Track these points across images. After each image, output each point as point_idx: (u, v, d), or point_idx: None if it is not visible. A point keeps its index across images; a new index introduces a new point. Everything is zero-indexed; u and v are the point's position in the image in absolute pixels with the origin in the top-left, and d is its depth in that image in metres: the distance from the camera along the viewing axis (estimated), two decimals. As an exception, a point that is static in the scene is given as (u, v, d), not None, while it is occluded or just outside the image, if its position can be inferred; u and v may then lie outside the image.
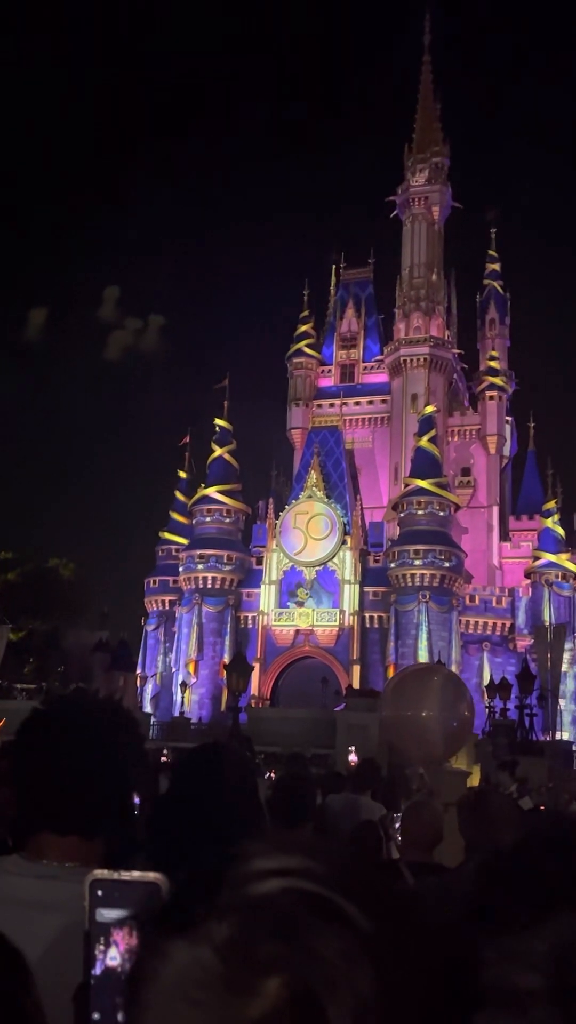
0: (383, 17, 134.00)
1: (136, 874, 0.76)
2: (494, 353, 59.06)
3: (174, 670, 49.51)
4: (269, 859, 0.56)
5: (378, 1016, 0.51)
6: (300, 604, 48.00)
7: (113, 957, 0.75)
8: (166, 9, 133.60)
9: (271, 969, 0.50)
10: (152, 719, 41.59)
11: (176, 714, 44.22)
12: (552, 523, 49.11)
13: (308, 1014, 0.50)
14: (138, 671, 51.29)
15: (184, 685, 47.15)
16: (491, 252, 63.33)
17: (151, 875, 0.75)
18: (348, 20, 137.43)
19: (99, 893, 0.74)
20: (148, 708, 46.91)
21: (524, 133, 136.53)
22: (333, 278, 63.30)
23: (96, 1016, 0.73)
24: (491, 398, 57.17)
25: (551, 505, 49.86)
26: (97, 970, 0.74)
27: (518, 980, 0.50)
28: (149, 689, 50.41)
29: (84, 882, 0.76)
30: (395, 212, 60.14)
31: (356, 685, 42.40)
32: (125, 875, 0.76)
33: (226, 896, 0.54)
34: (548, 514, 49.57)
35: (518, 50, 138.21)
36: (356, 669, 46.52)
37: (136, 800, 1.75)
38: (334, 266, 63.21)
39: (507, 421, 58.80)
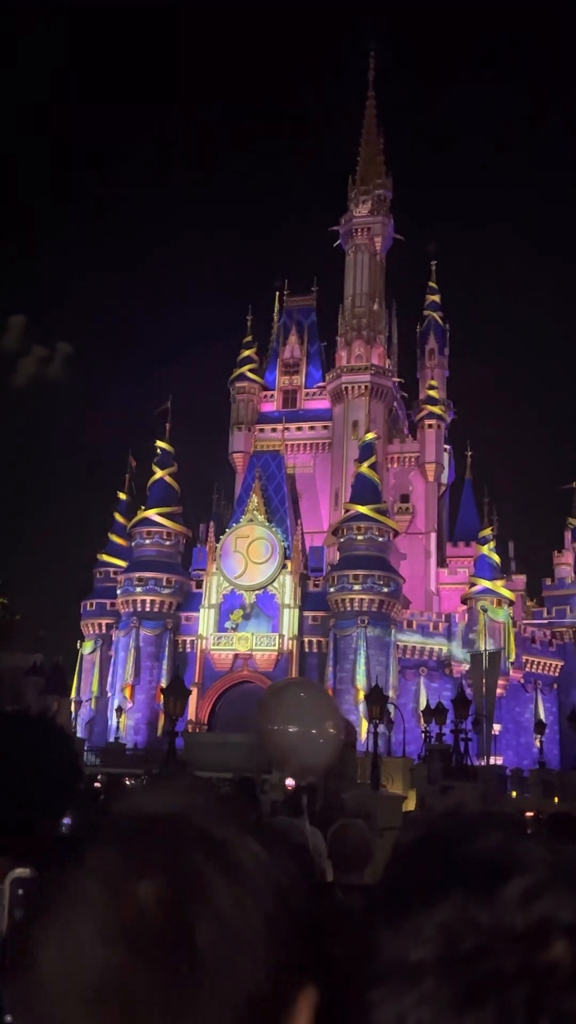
0: (329, 50, 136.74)
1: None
2: (433, 383, 60.20)
3: (110, 694, 48.74)
4: (147, 793, 0.64)
5: (248, 920, 0.58)
6: (234, 628, 47.81)
7: None
8: (111, 48, 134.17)
9: (139, 876, 0.58)
10: (86, 744, 40.82)
11: (111, 739, 43.49)
12: (488, 550, 49.97)
13: (172, 915, 0.57)
14: (73, 695, 50.36)
15: (120, 710, 46.43)
16: (431, 284, 64.74)
17: None
18: (294, 51, 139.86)
19: (19, 892, 0.75)
20: (82, 733, 46.05)
21: (466, 166, 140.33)
22: (277, 304, 63.90)
23: (8, 1019, 0.73)
24: (430, 426, 58.17)
25: (487, 532, 50.75)
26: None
27: (410, 954, 0.53)
28: (83, 714, 49.51)
29: (4, 880, 0.74)
30: (338, 242, 61.09)
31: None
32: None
33: (105, 831, 0.62)
34: (484, 541, 50.44)
35: (461, 87, 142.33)
36: (294, 694, 46.40)
37: (66, 820, 1.76)
38: (278, 293, 63.87)
39: (445, 449, 59.85)
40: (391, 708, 39.54)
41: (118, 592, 49.69)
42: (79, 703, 50.05)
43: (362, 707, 39.43)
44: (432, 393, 59.22)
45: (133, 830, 0.61)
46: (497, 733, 43.75)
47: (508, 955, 0.51)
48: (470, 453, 62.48)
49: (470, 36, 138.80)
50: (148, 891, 0.57)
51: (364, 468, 49.37)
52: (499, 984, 0.51)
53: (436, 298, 64.24)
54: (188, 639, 48.98)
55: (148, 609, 48.46)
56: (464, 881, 0.55)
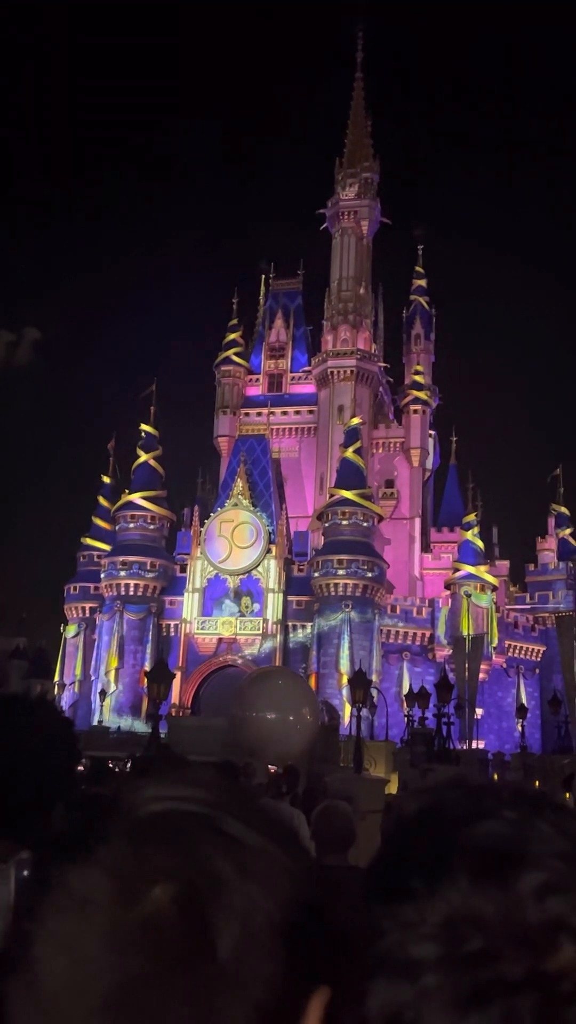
0: (318, 32, 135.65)
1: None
2: (419, 368, 60.17)
3: (93, 678, 48.73)
4: (158, 787, 0.60)
5: (265, 918, 0.55)
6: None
7: None
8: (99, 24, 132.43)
9: (156, 877, 0.55)
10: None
11: (95, 723, 43.51)
12: (472, 536, 50.17)
13: (190, 916, 0.54)
14: (56, 679, 50.30)
15: (103, 693, 46.44)
16: (418, 268, 64.57)
17: None
18: (282, 33, 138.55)
19: (24, 873, 0.72)
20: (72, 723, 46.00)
21: (453, 152, 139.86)
22: (263, 288, 63.58)
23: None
24: (415, 412, 58.20)
25: (471, 518, 50.93)
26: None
27: (412, 949, 0.51)
28: (66, 697, 49.49)
29: (8, 863, 0.74)
30: (325, 225, 60.79)
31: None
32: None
33: (116, 821, 0.58)
34: (468, 527, 50.63)
35: (450, 70, 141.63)
36: (278, 678, 46.61)
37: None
38: (264, 276, 63.51)
39: (430, 435, 59.93)
40: (374, 692, 39.76)
41: (102, 576, 49.58)
42: (62, 687, 50.02)
43: (345, 691, 39.63)
44: (418, 378, 59.22)
45: (147, 826, 0.58)
46: (479, 717, 44.14)
47: (514, 958, 0.49)
48: (455, 439, 62.64)
49: (459, 21, 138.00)
50: (166, 892, 0.55)
51: (349, 453, 49.37)
52: (503, 989, 0.49)
53: (423, 283, 64.11)
54: (172, 623, 48.98)
55: (132, 593, 48.40)
56: (471, 869, 0.52)
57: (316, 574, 47.24)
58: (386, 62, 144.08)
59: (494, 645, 47.92)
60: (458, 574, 49.08)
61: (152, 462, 50.90)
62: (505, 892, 0.51)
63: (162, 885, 0.54)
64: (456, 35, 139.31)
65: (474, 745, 38.49)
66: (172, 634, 48.91)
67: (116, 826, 0.58)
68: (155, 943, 0.53)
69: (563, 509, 56.23)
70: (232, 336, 60.93)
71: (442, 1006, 0.49)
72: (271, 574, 48.30)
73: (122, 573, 48.46)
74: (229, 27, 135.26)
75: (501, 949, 0.49)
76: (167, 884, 0.54)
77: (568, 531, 55.19)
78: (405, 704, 36.10)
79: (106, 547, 50.89)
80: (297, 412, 59.03)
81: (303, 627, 47.67)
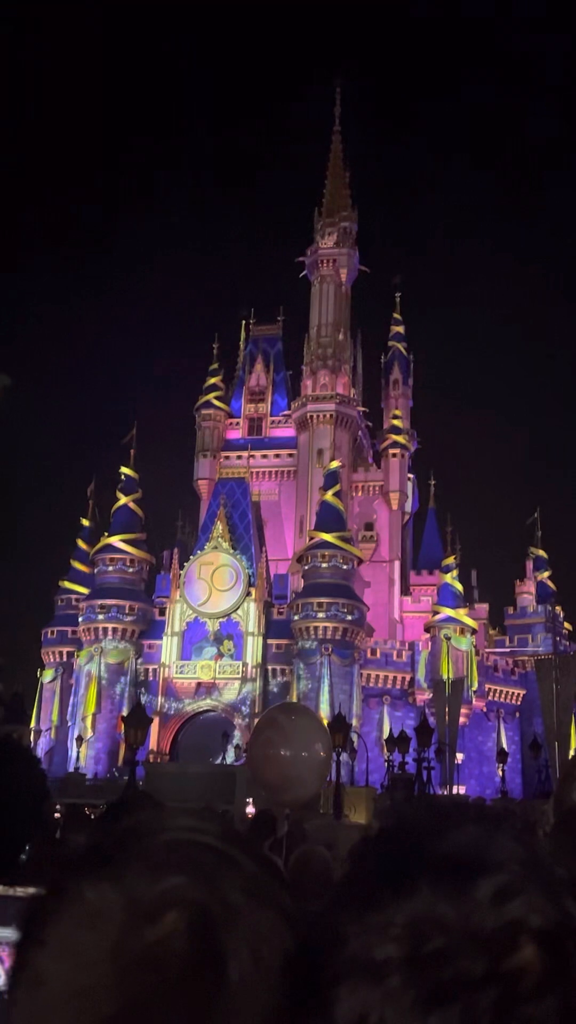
0: (296, 84, 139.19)
1: (32, 890, 0.74)
2: (397, 412, 60.88)
3: (70, 724, 48.00)
4: (175, 818, 0.62)
5: (272, 947, 0.56)
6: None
7: None
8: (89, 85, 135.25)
9: (170, 899, 0.55)
10: (47, 776, 40.07)
11: (71, 769, 42.75)
12: (451, 579, 50.30)
13: (203, 941, 0.54)
14: (32, 724, 49.50)
15: (80, 739, 45.72)
16: (396, 315, 65.66)
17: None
18: (261, 84, 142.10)
19: None
20: (42, 764, 45.21)
21: (430, 202, 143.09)
22: (243, 333, 64.32)
23: None
24: (394, 455, 58.71)
25: (450, 561, 51.12)
26: None
27: (376, 951, 0.52)
28: (43, 743, 48.67)
29: None
30: (304, 272, 61.79)
31: (247, 743, 41.93)
32: (20, 891, 0.76)
33: (135, 843, 0.59)
34: (447, 570, 50.78)
35: (427, 123, 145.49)
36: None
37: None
38: (244, 321, 64.33)
39: (409, 478, 60.39)
40: (354, 737, 39.45)
41: (80, 619, 49.13)
42: (39, 732, 49.21)
43: (325, 736, 39.21)
44: (396, 423, 59.87)
45: (165, 851, 0.59)
46: (460, 762, 43.82)
47: (476, 958, 0.50)
48: (433, 482, 63.17)
49: (434, 73, 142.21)
50: (180, 916, 0.55)
51: (329, 496, 49.59)
52: (465, 987, 0.50)
53: (400, 329, 65.14)
54: (151, 667, 48.51)
55: (110, 637, 47.96)
56: (434, 876, 0.53)
57: (296, 617, 47.09)
58: (364, 113, 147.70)
59: (474, 689, 47.80)
60: (437, 617, 49.09)
61: (132, 505, 50.83)
62: (466, 895, 0.52)
63: (177, 909, 0.55)
64: (433, 89, 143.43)
65: (455, 790, 38.17)
66: (151, 678, 48.41)
67: (135, 847, 0.59)
68: (165, 964, 0.53)
69: (541, 552, 56.62)
70: (212, 380, 61.46)
71: (405, 1006, 0.50)
72: (251, 617, 48.09)
73: (100, 617, 48.07)
74: (209, 80, 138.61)
75: (462, 949, 0.50)
76: (182, 908, 0.55)
77: (546, 574, 55.53)
78: (385, 749, 35.83)
79: (84, 590, 50.52)
80: (277, 455, 59.37)
81: (283, 671, 47.36)
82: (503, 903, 0.52)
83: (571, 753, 38.33)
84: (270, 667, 47.64)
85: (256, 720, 45.57)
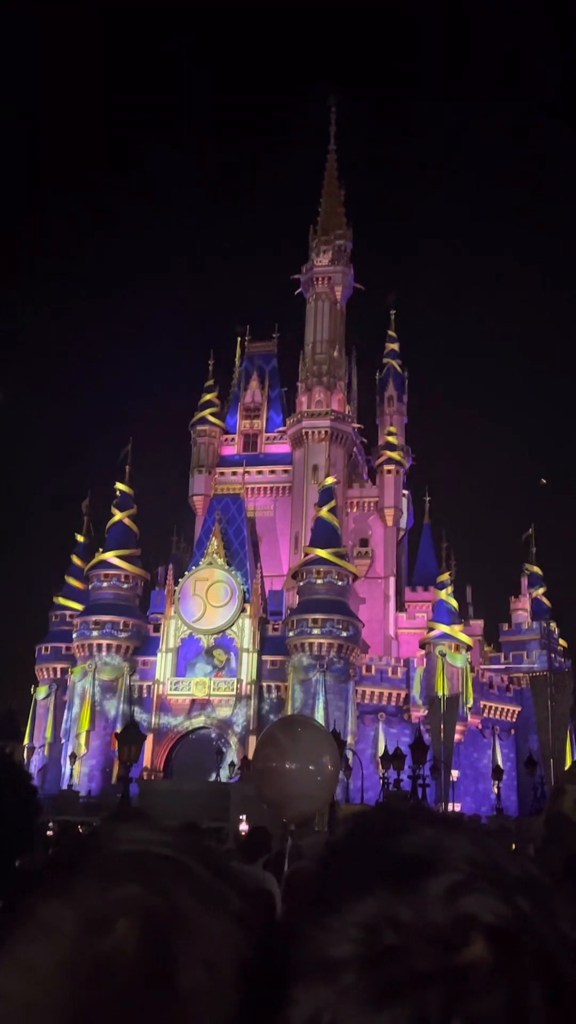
0: (290, 102, 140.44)
1: None
2: (392, 429, 61.06)
3: (63, 741, 47.73)
4: (131, 830, 0.63)
5: (226, 954, 0.57)
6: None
7: None
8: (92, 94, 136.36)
9: (122, 908, 0.56)
10: (39, 792, 39.81)
11: (64, 787, 42.49)
12: (446, 595, 50.29)
13: (154, 948, 0.55)
14: (26, 741, 49.21)
15: (74, 756, 45.46)
16: (391, 332, 66.00)
17: None
18: (256, 102, 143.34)
19: None
20: (35, 781, 44.86)
21: (425, 219, 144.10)
22: (238, 350, 64.55)
23: None
24: (389, 472, 58.83)
25: (445, 577, 51.12)
26: None
27: (332, 951, 0.53)
28: (36, 760, 48.37)
29: None
30: (299, 290, 62.11)
31: (252, 756, 41.77)
32: None
33: (88, 857, 0.60)
34: (442, 586, 50.78)
35: (422, 141, 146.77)
36: (252, 740, 45.95)
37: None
38: (239, 338, 64.55)
39: (404, 494, 60.50)
40: (349, 754, 39.30)
41: (74, 636, 48.96)
42: (32, 749, 48.93)
43: (320, 753, 39.06)
44: (391, 439, 60.04)
45: (118, 862, 0.59)
46: (455, 779, 43.65)
47: (426, 953, 0.51)
48: (428, 498, 63.25)
49: (429, 91, 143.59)
50: (131, 924, 0.55)
51: (324, 512, 49.63)
52: (416, 982, 0.50)
53: (395, 346, 65.46)
54: (145, 684, 48.32)
55: (105, 653, 47.79)
56: (390, 876, 0.54)
57: (291, 633, 46.99)
58: (360, 130, 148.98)
59: (469, 706, 47.70)
60: (433, 634, 49.03)
61: (127, 521, 50.79)
62: (419, 893, 0.53)
63: (129, 917, 0.55)
64: (428, 107, 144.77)
65: (450, 807, 38.00)
66: (145, 695, 48.22)
67: (88, 861, 0.59)
68: (116, 973, 0.53)
69: (536, 569, 56.64)
70: (208, 397, 61.61)
71: (358, 1003, 0.51)
72: (245, 633, 47.97)
73: (95, 633, 47.91)
74: (204, 97, 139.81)
75: (414, 945, 0.51)
76: (134, 916, 0.55)
77: (541, 591, 55.53)
78: (380, 766, 35.68)
79: (78, 607, 50.37)
80: (272, 471, 59.44)
81: (277, 687, 47.21)
82: (454, 900, 0.53)
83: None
84: (265, 683, 47.49)
85: (251, 737, 45.52)
